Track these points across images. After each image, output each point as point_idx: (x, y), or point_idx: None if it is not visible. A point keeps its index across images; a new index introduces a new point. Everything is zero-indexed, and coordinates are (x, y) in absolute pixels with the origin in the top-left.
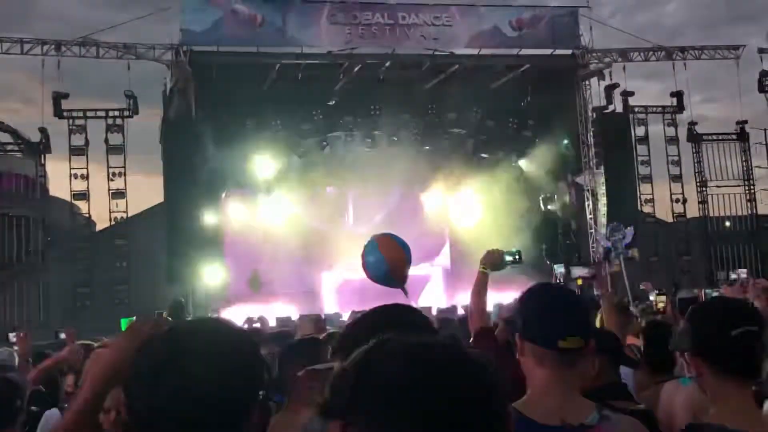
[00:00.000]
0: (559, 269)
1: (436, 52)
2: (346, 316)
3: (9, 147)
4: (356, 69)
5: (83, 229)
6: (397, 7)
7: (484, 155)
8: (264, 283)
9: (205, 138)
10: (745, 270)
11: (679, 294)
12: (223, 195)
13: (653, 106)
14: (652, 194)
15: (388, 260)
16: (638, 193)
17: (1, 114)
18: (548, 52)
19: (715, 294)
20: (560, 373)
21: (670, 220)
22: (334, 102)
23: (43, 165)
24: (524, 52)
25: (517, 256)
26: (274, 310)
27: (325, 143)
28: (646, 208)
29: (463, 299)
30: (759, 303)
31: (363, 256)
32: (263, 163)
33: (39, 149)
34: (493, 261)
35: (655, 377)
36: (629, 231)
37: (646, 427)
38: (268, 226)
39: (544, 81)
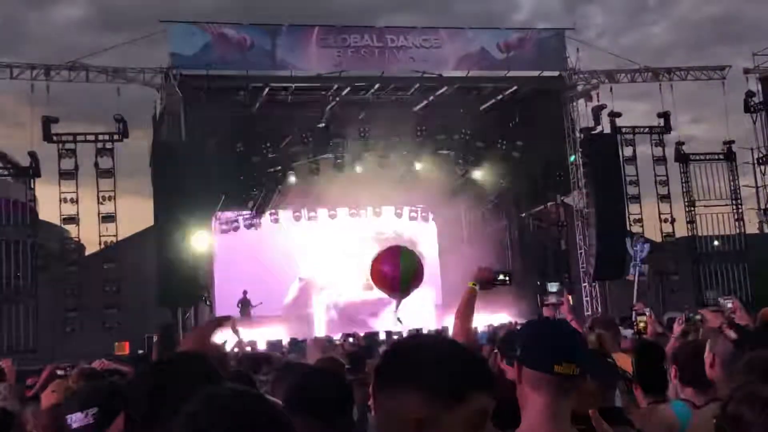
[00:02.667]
0: (551, 288)
1: (425, 74)
2: (336, 339)
3: None
4: (345, 91)
5: (73, 254)
6: (385, 30)
7: (473, 176)
8: (254, 306)
9: (195, 161)
10: (730, 299)
11: (667, 314)
12: (214, 218)
13: (641, 127)
14: (641, 214)
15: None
16: (627, 212)
17: None
18: (536, 73)
19: (698, 317)
20: (555, 400)
21: (658, 239)
22: (323, 124)
23: (33, 189)
24: (512, 73)
25: (507, 277)
26: (265, 334)
27: (315, 166)
28: (635, 228)
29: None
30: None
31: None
32: (253, 185)
33: (28, 173)
34: (484, 279)
35: (647, 398)
36: (646, 247)
37: None
38: (258, 248)
39: (532, 102)
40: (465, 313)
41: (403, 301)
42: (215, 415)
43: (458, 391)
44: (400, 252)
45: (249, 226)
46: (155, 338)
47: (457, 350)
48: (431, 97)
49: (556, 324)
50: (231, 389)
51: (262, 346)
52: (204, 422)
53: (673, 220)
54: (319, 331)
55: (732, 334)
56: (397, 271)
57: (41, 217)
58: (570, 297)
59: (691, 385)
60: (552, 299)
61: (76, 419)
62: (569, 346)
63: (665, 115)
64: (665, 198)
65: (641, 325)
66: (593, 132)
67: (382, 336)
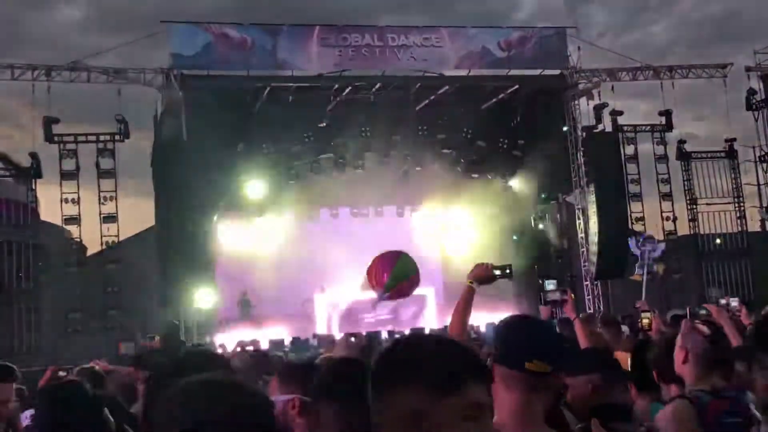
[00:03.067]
0: (550, 286)
1: (426, 74)
2: (339, 337)
3: (0, 172)
4: (346, 91)
5: (75, 254)
6: (386, 29)
7: (474, 175)
8: (255, 305)
9: (196, 161)
10: (736, 299)
11: (671, 311)
12: (215, 218)
13: (642, 125)
14: (643, 212)
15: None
16: (629, 211)
17: None
18: (537, 72)
19: (702, 311)
20: (527, 398)
21: (660, 237)
22: (324, 124)
23: (34, 190)
24: (513, 72)
25: (507, 270)
26: (267, 333)
27: (316, 165)
28: (637, 227)
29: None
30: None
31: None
32: (254, 185)
33: (30, 174)
34: (482, 275)
35: (641, 396)
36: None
37: None
38: (259, 248)
39: (534, 101)
40: (462, 311)
41: (398, 301)
42: (191, 403)
43: (453, 382)
44: (400, 255)
45: (250, 226)
46: (158, 338)
47: (450, 343)
48: (432, 96)
49: (530, 322)
50: (209, 377)
51: (265, 346)
52: (179, 409)
53: (675, 219)
54: (321, 329)
55: (705, 330)
56: (389, 269)
57: (42, 217)
58: (572, 295)
59: (675, 382)
60: (552, 297)
61: (24, 417)
62: (542, 344)
63: (667, 113)
64: (667, 196)
65: (645, 321)
66: (595, 130)
67: (384, 335)
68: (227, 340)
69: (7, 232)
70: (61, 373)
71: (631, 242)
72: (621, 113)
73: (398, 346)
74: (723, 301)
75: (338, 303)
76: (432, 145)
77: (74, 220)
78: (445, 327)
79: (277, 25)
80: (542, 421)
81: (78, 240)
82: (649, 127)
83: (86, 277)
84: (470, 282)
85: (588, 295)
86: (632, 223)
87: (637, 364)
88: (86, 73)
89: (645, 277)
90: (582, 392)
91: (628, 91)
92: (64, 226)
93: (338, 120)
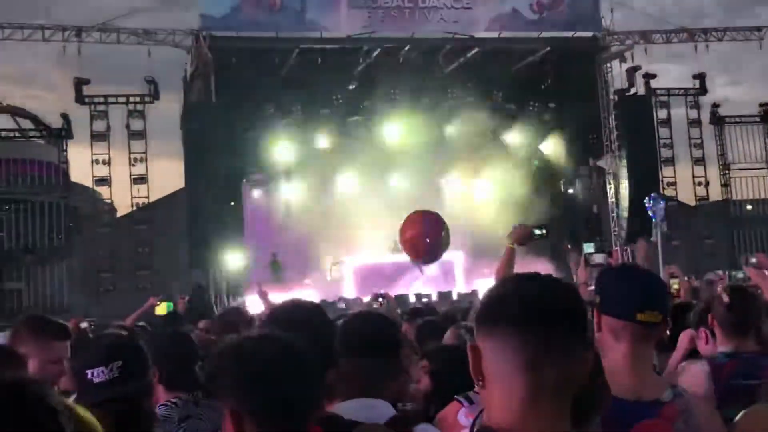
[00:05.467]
0: (589, 249)
1: (456, 36)
2: (366, 300)
3: (31, 134)
4: (376, 53)
5: (105, 215)
6: None
7: (504, 139)
8: (284, 268)
9: (225, 123)
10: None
11: (706, 276)
12: (244, 180)
13: (675, 89)
14: (675, 177)
15: (403, 241)
16: (660, 176)
17: (23, 101)
18: (569, 34)
19: (740, 275)
20: (636, 348)
21: (692, 203)
22: (353, 86)
23: (65, 151)
24: (545, 34)
25: (544, 231)
26: (294, 295)
27: (344, 128)
28: (669, 192)
29: (482, 284)
30: None
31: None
32: (283, 147)
33: (61, 135)
34: (521, 235)
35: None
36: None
37: None
38: (288, 211)
39: (565, 64)
40: (504, 272)
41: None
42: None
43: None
44: (444, 226)
45: (279, 188)
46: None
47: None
48: (462, 59)
49: (638, 272)
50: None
51: None
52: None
53: (707, 184)
54: (349, 292)
55: (726, 298)
56: (438, 237)
57: (73, 179)
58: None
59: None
60: (597, 260)
61: (98, 374)
62: (652, 294)
63: (701, 77)
64: (699, 161)
65: (675, 287)
66: (627, 94)
67: (412, 299)
68: (257, 302)
69: (38, 192)
70: (83, 325)
71: (648, 203)
72: (654, 76)
73: (572, 293)
74: (753, 260)
75: (366, 266)
76: (461, 108)
77: (105, 181)
78: (474, 291)
79: None
80: (652, 370)
81: (109, 201)
82: (682, 90)
83: (117, 237)
84: (510, 243)
85: (618, 259)
86: (664, 188)
87: (674, 327)
88: (116, 34)
89: (659, 239)
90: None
91: (662, 54)
92: (95, 188)
93: (367, 82)
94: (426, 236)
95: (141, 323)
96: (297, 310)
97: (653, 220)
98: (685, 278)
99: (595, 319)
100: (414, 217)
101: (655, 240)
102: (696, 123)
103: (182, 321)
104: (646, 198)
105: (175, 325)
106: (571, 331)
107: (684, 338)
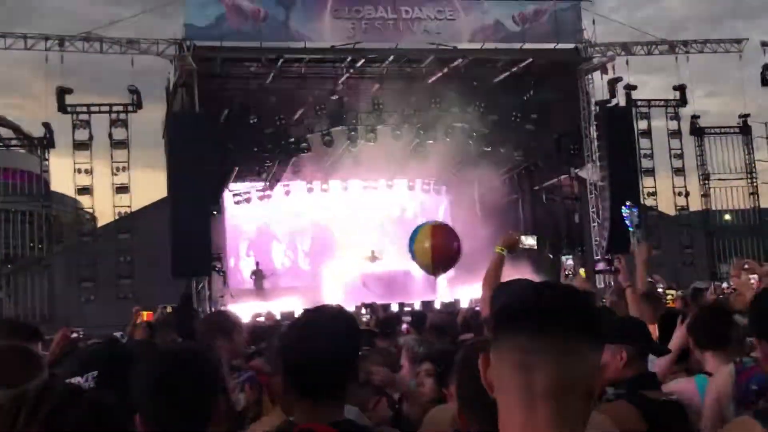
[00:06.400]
0: (568, 261)
1: (440, 47)
2: (350, 309)
3: (13, 143)
4: (359, 63)
5: (87, 224)
6: (400, 2)
7: (486, 149)
8: (267, 277)
9: (208, 133)
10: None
11: (694, 284)
12: (227, 189)
13: (656, 100)
14: (655, 187)
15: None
16: (641, 186)
17: (4, 110)
18: (551, 46)
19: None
20: None
21: (672, 213)
22: (337, 97)
23: (47, 160)
24: (527, 46)
25: (534, 239)
26: (278, 305)
27: (328, 138)
28: (649, 201)
29: (464, 293)
30: None
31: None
32: (266, 157)
33: (43, 144)
34: (511, 242)
35: (670, 367)
36: (635, 210)
37: (680, 417)
38: (271, 220)
39: (547, 75)
40: (492, 280)
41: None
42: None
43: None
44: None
45: (261, 198)
46: (170, 308)
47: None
48: (445, 70)
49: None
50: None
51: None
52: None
53: (687, 194)
54: (332, 301)
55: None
56: (457, 252)
57: (55, 188)
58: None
59: (711, 349)
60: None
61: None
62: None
63: (681, 89)
64: (680, 171)
65: (669, 297)
66: (608, 105)
67: (394, 307)
68: (240, 312)
69: (19, 202)
70: (73, 335)
71: (626, 215)
72: (635, 88)
73: (584, 303)
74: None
75: (348, 275)
76: (444, 119)
77: (87, 190)
78: (456, 300)
79: None
80: None
81: (90, 210)
82: (663, 102)
83: (99, 247)
84: (500, 249)
85: (623, 264)
86: (644, 198)
87: (666, 334)
88: (99, 44)
89: (636, 248)
90: (611, 364)
91: (643, 66)
92: (76, 197)
93: (350, 93)
94: (449, 246)
95: (119, 333)
96: (321, 317)
97: (629, 229)
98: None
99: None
100: (435, 227)
101: (633, 249)
102: (676, 134)
103: (157, 331)
104: (623, 207)
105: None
106: (569, 331)
107: (676, 341)
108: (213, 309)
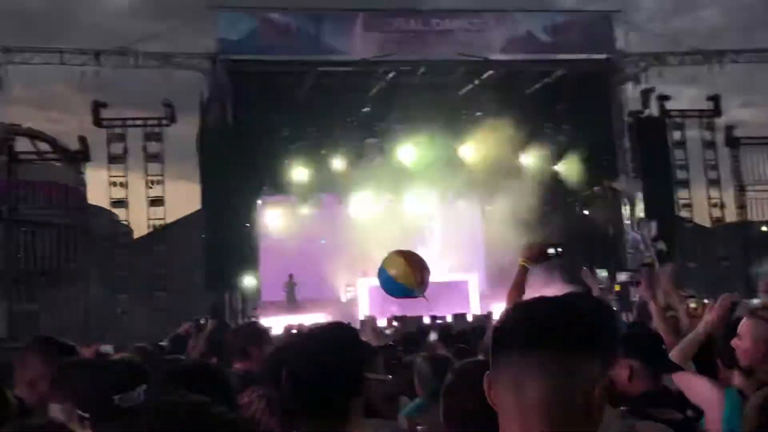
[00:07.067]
0: (602, 273)
1: (470, 58)
2: (381, 323)
3: (49, 156)
4: (390, 76)
5: (122, 237)
6: (431, 14)
7: (519, 161)
8: (299, 289)
9: (241, 146)
10: None
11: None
12: (260, 202)
13: (690, 110)
14: (690, 199)
15: (397, 277)
16: (675, 197)
17: (41, 123)
18: (583, 56)
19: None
20: None
21: (708, 224)
22: (368, 109)
23: (83, 173)
24: (559, 57)
25: (559, 249)
26: (310, 318)
27: (359, 150)
28: (684, 213)
29: (497, 307)
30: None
31: (378, 279)
32: (298, 170)
33: (78, 158)
34: (534, 254)
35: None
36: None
37: None
38: (303, 232)
39: (579, 86)
40: (516, 294)
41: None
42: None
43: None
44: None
45: (294, 211)
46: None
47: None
48: (476, 81)
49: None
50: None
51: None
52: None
53: (722, 206)
54: (363, 315)
55: None
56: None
57: (90, 201)
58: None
59: (738, 368)
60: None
61: (127, 398)
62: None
63: (715, 99)
64: (715, 183)
65: (691, 306)
66: (641, 115)
67: (426, 320)
68: (272, 324)
69: (55, 215)
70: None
71: (628, 230)
72: (668, 98)
73: (586, 311)
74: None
75: (379, 288)
76: (475, 131)
77: (122, 203)
78: (489, 313)
79: (322, 10)
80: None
81: (125, 223)
82: (697, 112)
83: (133, 259)
84: (523, 261)
85: (648, 278)
86: (679, 210)
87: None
88: (134, 58)
89: (655, 259)
90: (617, 378)
91: (676, 76)
92: (111, 209)
93: (382, 105)
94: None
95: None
96: (327, 333)
97: (642, 245)
98: (704, 300)
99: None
100: (408, 253)
101: (653, 261)
102: (711, 145)
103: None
104: (628, 225)
105: (176, 349)
106: (557, 347)
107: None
108: (244, 321)
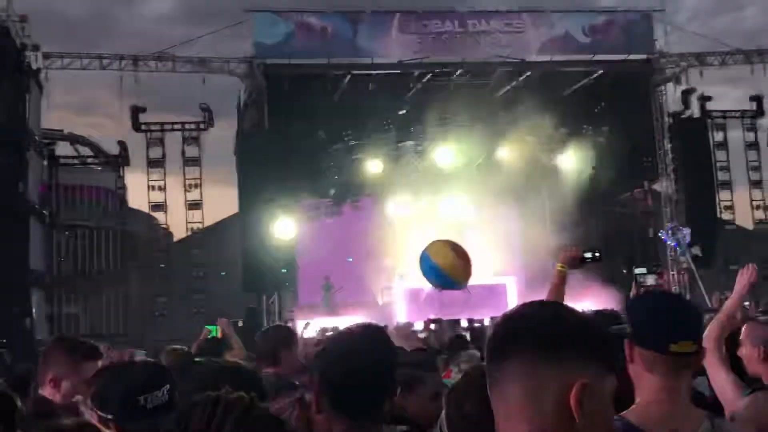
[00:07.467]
0: (647, 278)
1: (508, 59)
2: (418, 326)
3: (90, 160)
4: (427, 78)
5: (161, 240)
6: (467, 15)
7: (557, 163)
8: (337, 292)
9: (278, 149)
10: None
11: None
12: (297, 205)
13: (732, 111)
14: (732, 201)
15: (444, 267)
16: (717, 199)
17: (81, 128)
18: (622, 57)
19: None
20: (671, 380)
21: (750, 227)
22: (404, 111)
23: (122, 177)
24: (597, 57)
25: (596, 254)
26: (347, 321)
27: (396, 153)
28: (726, 215)
29: None
30: None
31: (420, 267)
32: (335, 173)
33: (118, 162)
34: (572, 259)
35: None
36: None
37: None
38: (340, 235)
39: (619, 86)
40: (555, 296)
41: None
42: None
43: (612, 361)
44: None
45: (331, 213)
46: (240, 323)
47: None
48: (514, 83)
49: (669, 298)
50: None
51: None
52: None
53: (765, 207)
54: (401, 317)
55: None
56: (429, 281)
57: (130, 204)
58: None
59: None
60: (649, 281)
61: (152, 398)
62: (685, 323)
63: (758, 99)
64: (757, 184)
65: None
66: (682, 116)
67: (464, 323)
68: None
69: (96, 219)
70: (139, 357)
71: (664, 236)
72: (710, 99)
73: (560, 317)
74: None
75: (417, 290)
76: (513, 132)
77: (160, 206)
78: None
79: (358, 13)
80: (688, 400)
81: (164, 226)
82: (739, 113)
83: (172, 262)
84: (561, 266)
85: (675, 285)
86: (721, 212)
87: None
88: (172, 63)
89: (692, 264)
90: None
91: (718, 76)
92: (150, 213)
93: (418, 107)
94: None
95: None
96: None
97: (676, 249)
98: (745, 303)
99: (627, 350)
100: (455, 244)
101: (689, 266)
102: (753, 145)
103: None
104: (661, 230)
105: (211, 351)
106: (525, 353)
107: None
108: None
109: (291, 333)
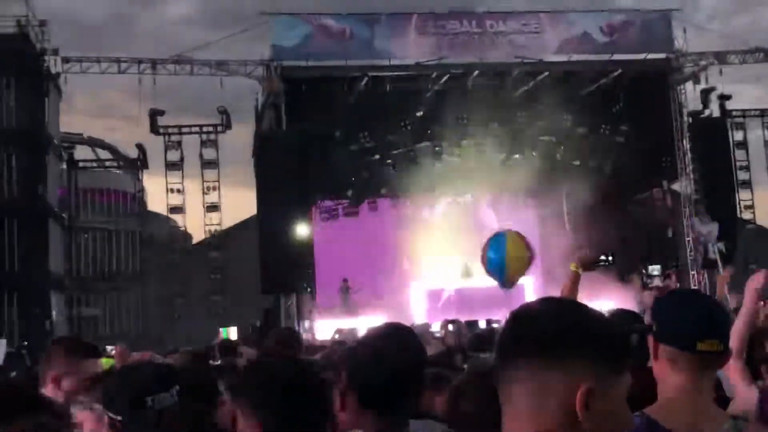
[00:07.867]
0: (667, 279)
1: (525, 60)
2: (435, 327)
3: (108, 163)
4: (444, 79)
5: (180, 242)
6: (485, 16)
7: (575, 162)
8: (355, 293)
9: (296, 151)
10: None
11: None
12: (314, 206)
13: (752, 110)
14: (752, 200)
15: (511, 257)
16: (737, 199)
17: (100, 131)
18: (641, 56)
19: None
20: (695, 378)
21: None
22: (422, 112)
23: (141, 180)
24: (616, 56)
25: (610, 257)
26: (364, 321)
27: (413, 153)
28: (746, 215)
29: None
30: None
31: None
32: (352, 174)
33: (137, 165)
34: (586, 261)
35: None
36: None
37: None
38: (358, 235)
39: (637, 86)
40: (569, 296)
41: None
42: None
43: (626, 358)
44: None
45: (348, 214)
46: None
47: (612, 321)
48: (531, 83)
49: (698, 297)
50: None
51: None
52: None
53: None
54: (419, 318)
55: None
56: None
57: (149, 207)
58: (675, 277)
59: None
60: (657, 282)
61: (160, 400)
62: (713, 321)
63: None
64: None
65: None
66: (701, 116)
67: (482, 324)
68: (326, 327)
69: (115, 221)
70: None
71: (696, 222)
72: (729, 98)
73: (569, 317)
74: None
75: (435, 291)
76: (531, 132)
77: (179, 209)
78: None
79: (375, 14)
80: (711, 400)
81: (183, 228)
82: (759, 111)
83: (190, 264)
84: (575, 267)
85: (695, 285)
86: (741, 211)
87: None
88: (189, 66)
89: (718, 258)
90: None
91: (737, 75)
92: (169, 215)
93: (435, 108)
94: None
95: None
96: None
97: (709, 246)
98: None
99: (652, 347)
100: (522, 237)
101: (716, 260)
102: None
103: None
104: (693, 217)
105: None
106: (521, 356)
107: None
108: (301, 325)
109: (293, 334)
